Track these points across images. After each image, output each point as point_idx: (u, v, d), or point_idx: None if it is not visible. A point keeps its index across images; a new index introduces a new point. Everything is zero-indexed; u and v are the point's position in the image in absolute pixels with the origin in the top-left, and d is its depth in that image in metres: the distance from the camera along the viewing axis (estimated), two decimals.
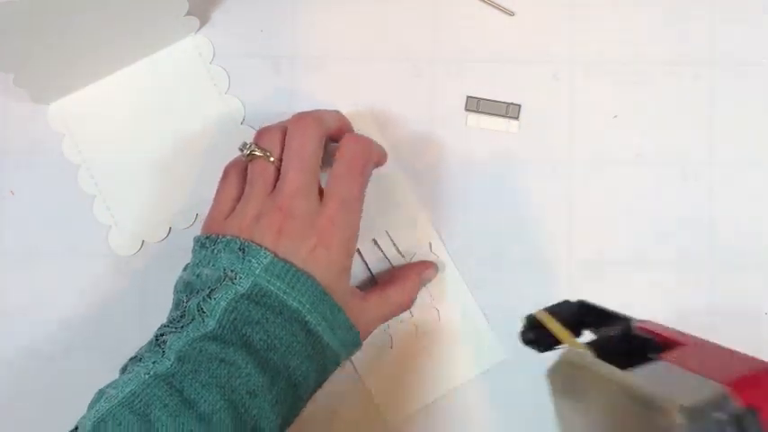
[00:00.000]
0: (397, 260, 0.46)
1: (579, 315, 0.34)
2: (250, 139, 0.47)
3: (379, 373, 0.46)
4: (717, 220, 0.47)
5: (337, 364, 0.39)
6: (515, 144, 0.47)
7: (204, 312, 0.35)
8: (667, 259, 0.47)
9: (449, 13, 0.48)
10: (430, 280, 0.46)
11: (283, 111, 0.48)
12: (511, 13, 0.48)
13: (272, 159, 0.39)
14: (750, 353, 0.47)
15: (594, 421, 0.29)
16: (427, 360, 0.46)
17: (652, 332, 0.30)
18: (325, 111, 0.42)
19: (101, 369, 0.47)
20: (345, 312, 0.37)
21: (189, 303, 0.37)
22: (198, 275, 0.38)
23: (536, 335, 0.34)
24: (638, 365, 0.27)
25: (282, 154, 0.39)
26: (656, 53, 0.48)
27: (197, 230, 0.47)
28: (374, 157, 0.41)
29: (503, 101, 0.48)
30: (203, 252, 0.38)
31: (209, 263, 0.37)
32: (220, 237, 0.38)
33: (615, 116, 0.48)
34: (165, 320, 0.38)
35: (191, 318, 0.36)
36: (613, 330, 0.31)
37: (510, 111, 0.48)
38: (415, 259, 0.46)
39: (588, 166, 0.47)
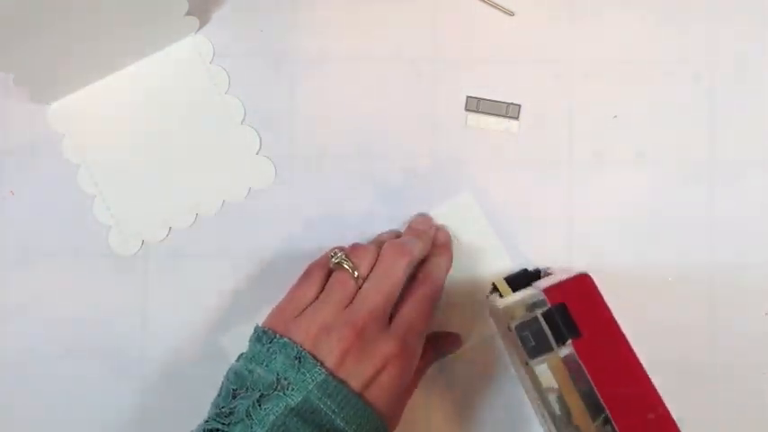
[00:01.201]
0: None
1: (522, 278, 0.44)
2: (252, 139, 0.47)
3: None
4: (717, 220, 0.47)
5: None
6: (515, 144, 0.47)
7: (252, 418, 0.35)
8: (667, 259, 0.47)
9: (449, 13, 0.48)
10: (452, 353, 0.46)
11: (283, 110, 0.48)
12: (511, 13, 0.48)
13: (356, 275, 0.39)
14: (750, 353, 0.47)
15: (501, 330, 0.43)
16: None
17: (547, 273, 0.44)
18: (418, 238, 0.43)
19: (101, 369, 0.47)
20: (386, 422, 0.37)
21: (238, 403, 0.36)
22: (251, 372, 0.37)
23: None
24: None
25: (368, 275, 0.40)
26: (656, 53, 0.48)
27: (197, 230, 0.47)
28: (442, 289, 0.42)
29: (503, 101, 0.48)
30: (258, 347, 0.38)
31: (262, 362, 0.37)
32: (278, 337, 0.37)
33: (615, 116, 0.48)
34: (210, 409, 0.38)
35: (239, 420, 0.36)
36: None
37: (510, 111, 0.48)
38: None
39: (588, 166, 0.47)
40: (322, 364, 0.36)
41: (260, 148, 0.48)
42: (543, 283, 0.39)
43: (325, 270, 0.41)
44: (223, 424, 0.36)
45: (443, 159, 0.47)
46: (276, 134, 0.48)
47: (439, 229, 0.46)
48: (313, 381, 0.36)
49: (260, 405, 0.35)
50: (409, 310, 0.39)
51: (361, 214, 0.47)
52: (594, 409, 0.35)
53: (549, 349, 0.36)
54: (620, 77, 0.48)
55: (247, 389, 0.37)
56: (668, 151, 0.47)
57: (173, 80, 0.48)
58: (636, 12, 0.48)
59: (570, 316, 0.35)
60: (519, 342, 0.37)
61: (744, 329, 0.46)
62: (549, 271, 0.44)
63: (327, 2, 0.48)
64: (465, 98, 0.48)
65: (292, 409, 0.35)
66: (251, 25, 0.48)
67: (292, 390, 0.35)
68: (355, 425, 0.35)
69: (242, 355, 0.39)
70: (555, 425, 0.38)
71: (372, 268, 0.40)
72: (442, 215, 0.47)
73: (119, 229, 0.47)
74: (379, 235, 0.46)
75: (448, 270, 0.44)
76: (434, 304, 0.41)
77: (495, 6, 0.48)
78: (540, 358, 0.36)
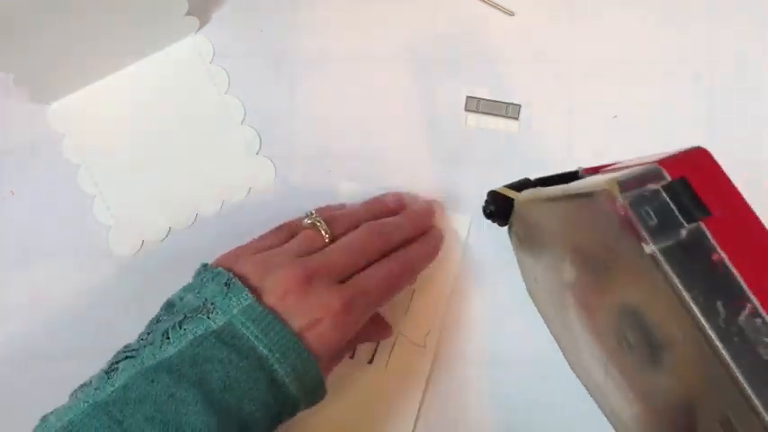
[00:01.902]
0: None
1: (536, 187, 0.37)
2: (252, 139, 0.47)
3: None
4: None
5: (294, 413, 0.37)
6: (515, 144, 0.47)
7: (168, 339, 0.35)
8: None
9: (449, 13, 0.48)
10: (383, 339, 0.45)
11: (283, 110, 0.48)
12: (511, 13, 0.48)
13: (326, 237, 0.39)
14: None
15: (552, 253, 0.33)
16: None
17: (593, 169, 0.35)
18: (400, 226, 0.42)
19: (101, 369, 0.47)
20: (318, 364, 0.36)
21: (159, 325, 0.36)
22: (181, 298, 0.37)
23: (496, 207, 0.40)
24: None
25: (339, 238, 0.39)
26: (656, 53, 0.48)
27: (197, 230, 0.47)
28: (413, 278, 0.42)
29: (503, 101, 0.48)
30: (195, 279, 0.38)
31: (194, 289, 0.37)
32: (213, 267, 0.37)
33: (615, 116, 0.48)
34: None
35: (151, 341, 0.35)
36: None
37: (510, 111, 0.48)
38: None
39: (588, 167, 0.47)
40: (253, 290, 0.35)
41: (260, 148, 0.48)
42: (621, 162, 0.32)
43: (296, 229, 0.41)
44: (135, 350, 0.35)
45: (443, 159, 0.47)
46: (276, 134, 0.48)
47: (435, 227, 0.46)
48: (238, 305, 0.35)
49: (181, 326, 0.35)
50: (368, 277, 0.38)
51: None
52: (731, 308, 0.27)
53: (677, 226, 0.28)
54: (620, 77, 0.48)
55: (173, 313, 0.36)
56: (668, 151, 0.47)
57: (173, 80, 0.48)
58: (636, 12, 0.48)
59: (695, 192, 0.29)
60: (637, 220, 0.28)
61: None
62: (589, 167, 0.36)
63: (327, 2, 0.48)
64: (465, 98, 0.48)
65: (213, 331, 0.34)
66: (251, 25, 0.48)
67: (216, 313, 0.35)
68: (279, 353, 0.34)
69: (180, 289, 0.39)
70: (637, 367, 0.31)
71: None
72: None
73: (119, 229, 0.47)
74: (379, 196, 0.45)
75: (426, 261, 0.43)
76: (399, 285, 0.40)
77: (495, 6, 0.48)
78: (663, 243, 0.28)
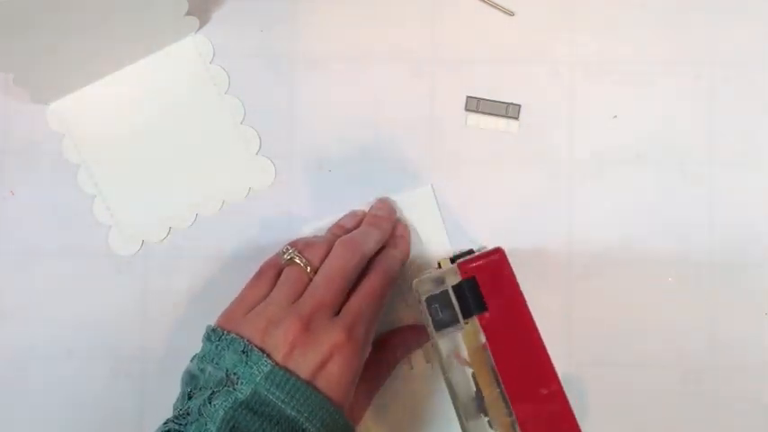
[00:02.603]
0: None
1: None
2: (252, 139, 0.47)
3: None
4: (717, 220, 0.47)
5: None
6: (515, 144, 0.47)
7: (204, 416, 0.36)
8: (667, 259, 0.47)
9: (449, 13, 0.48)
10: (419, 346, 0.46)
11: (283, 110, 0.48)
12: (511, 13, 0.48)
13: (308, 270, 0.40)
14: (750, 354, 0.47)
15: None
16: None
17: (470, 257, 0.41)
18: (369, 234, 0.43)
19: (101, 369, 0.47)
20: (344, 414, 0.37)
21: (191, 403, 0.37)
22: (202, 371, 0.38)
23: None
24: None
25: (318, 267, 0.40)
26: (656, 53, 0.48)
27: (197, 230, 0.47)
28: (394, 283, 0.42)
29: (503, 101, 0.48)
30: (208, 346, 0.38)
31: (212, 359, 0.38)
32: (225, 333, 0.38)
33: (615, 116, 0.48)
34: (172, 413, 0.38)
35: (194, 419, 0.36)
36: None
37: (510, 111, 0.48)
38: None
39: (588, 166, 0.47)
40: (269, 355, 0.36)
41: (260, 148, 0.48)
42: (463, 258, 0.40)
43: (278, 269, 0.41)
44: (179, 425, 0.36)
45: (443, 159, 0.47)
46: (276, 134, 0.48)
47: (399, 221, 0.46)
48: (260, 373, 0.36)
49: (210, 402, 0.36)
50: (358, 300, 0.39)
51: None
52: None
53: (455, 322, 0.36)
54: (620, 77, 0.48)
55: (201, 388, 0.37)
56: (668, 151, 0.47)
57: (173, 80, 0.48)
58: (636, 12, 0.48)
59: (479, 290, 0.36)
60: (427, 315, 0.37)
61: (744, 329, 0.46)
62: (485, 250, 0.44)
63: (327, 2, 0.48)
64: (465, 98, 0.48)
65: (242, 402, 0.36)
66: (251, 25, 0.48)
67: (241, 384, 0.36)
68: (307, 413, 0.36)
69: (195, 355, 0.39)
70: (459, 406, 0.38)
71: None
72: (399, 202, 0.47)
73: (119, 229, 0.47)
74: (338, 221, 0.46)
75: (403, 262, 0.44)
76: (386, 295, 0.41)
77: (495, 6, 0.48)
78: (446, 331, 0.37)
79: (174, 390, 0.42)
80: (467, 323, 0.36)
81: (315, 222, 0.47)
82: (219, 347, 0.38)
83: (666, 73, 0.48)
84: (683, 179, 0.47)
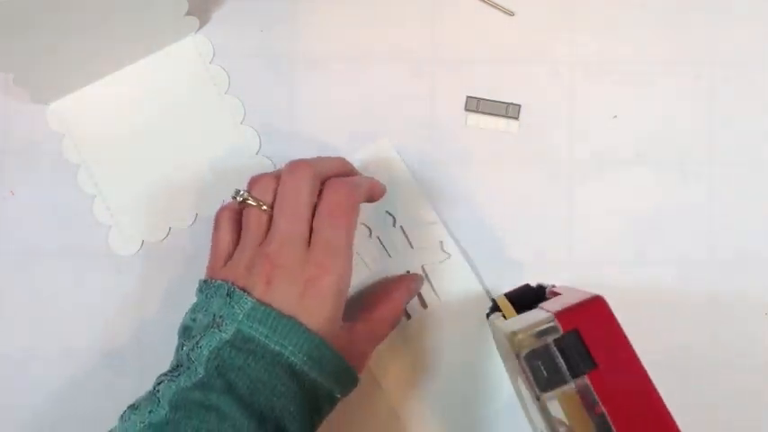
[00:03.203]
0: (404, 255, 0.47)
1: (526, 295, 0.42)
2: (252, 139, 0.47)
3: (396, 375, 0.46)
4: (717, 220, 0.47)
5: (333, 400, 0.39)
6: (515, 144, 0.47)
7: (193, 360, 0.36)
8: (667, 259, 0.47)
9: (449, 13, 0.48)
10: (417, 291, 0.46)
11: (283, 110, 0.48)
12: (511, 13, 0.48)
13: (264, 208, 0.40)
14: (750, 354, 0.47)
15: (503, 351, 0.40)
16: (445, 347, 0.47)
17: (552, 292, 0.39)
18: (323, 158, 0.42)
19: (100, 369, 0.47)
20: (335, 348, 0.37)
21: (183, 351, 0.38)
22: (194, 320, 0.39)
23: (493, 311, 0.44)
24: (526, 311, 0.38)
25: (274, 202, 0.40)
26: (656, 53, 0.48)
27: (197, 230, 0.47)
28: (359, 198, 0.41)
29: (503, 101, 0.48)
30: (200, 296, 0.39)
31: (203, 308, 0.38)
32: (212, 281, 0.39)
33: (615, 116, 0.48)
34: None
35: (186, 366, 0.37)
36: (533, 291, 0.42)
37: (510, 111, 0.48)
38: (426, 255, 0.47)
39: (588, 166, 0.47)
40: (249, 294, 0.37)
41: (260, 147, 0.48)
42: (552, 305, 0.37)
43: (233, 211, 0.41)
44: (171, 377, 0.37)
45: (443, 159, 0.47)
46: (276, 134, 0.48)
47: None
48: (242, 310, 0.36)
49: (198, 346, 0.36)
50: (321, 225, 0.39)
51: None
52: None
53: (563, 382, 0.32)
54: (620, 77, 0.48)
55: (192, 337, 0.38)
56: (668, 151, 0.47)
57: (173, 80, 0.48)
58: (636, 12, 0.48)
59: (584, 344, 0.32)
60: (529, 373, 0.33)
61: (744, 329, 0.46)
62: (555, 289, 0.41)
63: (327, 2, 0.48)
64: (465, 98, 0.48)
65: (227, 341, 0.36)
66: (251, 25, 0.48)
67: (225, 324, 0.36)
68: (291, 346, 0.36)
69: (189, 309, 0.40)
70: None
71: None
72: (359, 160, 0.47)
73: (119, 229, 0.47)
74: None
75: (366, 190, 0.42)
76: (350, 213, 0.39)
77: (495, 6, 0.48)
78: (553, 392, 0.33)
79: None
80: (575, 381, 0.32)
81: None
82: (208, 295, 0.38)
83: (666, 73, 0.48)
84: (683, 179, 0.47)
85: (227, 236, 0.41)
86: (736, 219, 0.47)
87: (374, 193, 0.43)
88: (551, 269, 0.47)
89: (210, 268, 0.41)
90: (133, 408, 0.37)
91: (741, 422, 0.46)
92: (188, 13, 0.46)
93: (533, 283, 0.43)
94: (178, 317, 0.47)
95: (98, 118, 0.48)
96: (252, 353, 0.36)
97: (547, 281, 0.47)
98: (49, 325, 0.47)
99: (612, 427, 0.31)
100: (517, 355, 0.34)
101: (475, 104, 0.48)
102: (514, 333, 0.34)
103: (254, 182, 0.41)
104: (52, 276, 0.47)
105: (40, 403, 0.47)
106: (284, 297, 0.37)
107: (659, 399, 0.31)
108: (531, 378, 0.33)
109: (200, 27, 0.48)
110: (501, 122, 0.48)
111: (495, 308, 0.43)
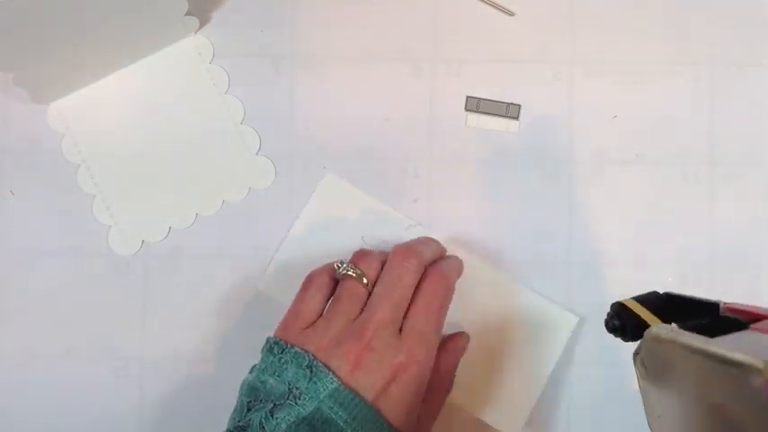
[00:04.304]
0: None
1: (666, 306, 0.33)
2: (252, 139, 0.47)
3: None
4: (717, 220, 0.47)
5: None
6: (515, 144, 0.47)
7: (265, 429, 0.35)
8: (667, 259, 0.47)
9: (449, 13, 0.48)
10: (465, 350, 0.45)
11: (283, 110, 0.48)
12: (511, 13, 0.48)
13: (365, 282, 0.39)
14: None
15: (683, 398, 0.28)
16: (513, 361, 0.46)
17: (739, 311, 0.30)
18: (427, 244, 0.43)
19: (101, 369, 0.47)
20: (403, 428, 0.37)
21: (252, 415, 0.36)
22: (263, 383, 0.37)
23: (621, 322, 0.34)
24: (722, 335, 0.27)
25: (377, 280, 0.40)
26: (656, 53, 0.48)
27: (197, 230, 0.47)
28: (454, 287, 0.41)
29: (503, 101, 0.48)
30: (270, 358, 0.38)
31: (275, 372, 0.37)
32: (289, 346, 0.37)
33: (615, 116, 0.48)
34: (228, 423, 0.38)
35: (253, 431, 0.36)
36: (701, 316, 0.31)
37: (510, 111, 0.48)
38: None
39: (588, 166, 0.47)
40: (334, 373, 0.36)
41: (260, 148, 0.48)
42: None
43: (327, 276, 0.41)
44: None
45: (443, 159, 0.47)
46: (276, 134, 0.48)
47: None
48: (325, 390, 0.36)
49: (272, 415, 0.35)
50: (416, 315, 0.39)
51: (360, 214, 0.47)
52: None
53: None
54: (620, 77, 0.48)
55: (261, 400, 0.37)
56: (668, 151, 0.47)
57: (173, 80, 0.48)
58: (636, 12, 0.48)
59: None
60: None
61: None
62: (733, 306, 0.31)
63: (327, 2, 0.48)
64: (465, 98, 0.48)
65: (304, 418, 0.35)
66: (251, 25, 0.48)
67: (304, 399, 0.35)
68: None
69: (254, 366, 0.39)
70: None
71: (380, 274, 0.40)
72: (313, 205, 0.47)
73: (119, 229, 0.47)
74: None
75: (459, 271, 0.43)
76: (445, 306, 0.40)
77: (495, 6, 0.48)
78: None
79: (173, 390, 0.42)
80: None
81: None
82: (283, 360, 0.37)
83: (666, 73, 0.48)
84: (683, 179, 0.47)
85: (316, 302, 0.40)
86: (736, 219, 0.47)
87: (461, 272, 0.44)
88: (551, 269, 0.47)
89: (286, 327, 0.39)
90: None
91: None
92: (188, 13, 0.46)
93: (660, 291, 0.35)
94: (178, 317, 0.47)
95: (98, 118, 0.48)
96: None
97: (547, 279, 0.47)
98: (49, 325, 0.47)
99: None
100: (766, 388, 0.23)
101: (475, 104, 0.48)
102: (759, 359, 0.24)
103: (360, 256, 0.41)
104: (52, 276, 0.47)
105: (40, 403, 0.47)
106: (370, 382, 0.36)
107: None
108: None
109: (200, 27, 0.48)
110: (501, 122, 0.48)
111: (617, 313, 0.34)
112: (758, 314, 0.29)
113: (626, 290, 0.46)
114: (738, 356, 0.25)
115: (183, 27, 0.47)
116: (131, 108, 0.48)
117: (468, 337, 0.45)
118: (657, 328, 0.29)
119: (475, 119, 0.48)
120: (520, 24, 0.48)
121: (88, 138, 0.48)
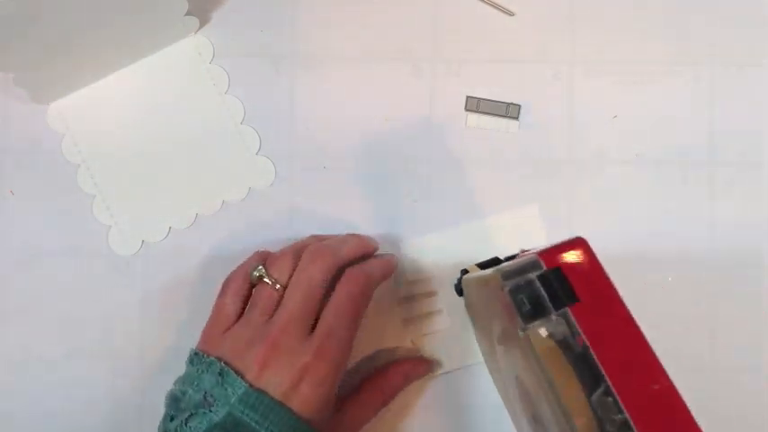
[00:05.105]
0: None
1: (492, 264, 0.41)
2: (252, 139, 0.47)
3: None
4: (717, 220, 0.47)
5: None
6: (515, 144, 0.47)
7: None
8: (667, 259, 0.47)
9: (449, 13, 0.48)
10: (419, 378, 0.45)
11: (283, 110, 0.48)
12: (511, 14, 0.48)
13: (278, 287, 0.40)
14: (750, 354, 0.47)
15: (480, 309, 0.41)
16: None
17: (521, 252, 0.38)
18: (345, 242, 0.42)
19: (101, 369, 0.47)
20: (315, 426, 0.37)
21: (171, 425, 0.37)
22: (183, 393, 0.38)
23: (459, 282, 0.44)
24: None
25: (289, 281, 0.40)
26: (656, 53, 0.48)
27: (197, 230, 0.47)
28: (372, 288, 0.41)
29: (503, 101, 0.48)
30: (191, 369, 0.39)
31: (193, 382, 0.38)
32: (205, 356, 0.38)
33: (615, 116, 0.48)
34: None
35: None
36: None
37: (510, 111, 0.48)
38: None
39: (588, 166, 0.47)
40: (243, 377, 0.37)
41: (260, 148, 0.48)
42: (533, 249, 0.37)
43: (241, 281, 0.41)
44: None
45: (443, 159, 0.47)
46: (276, 134, 0.48)
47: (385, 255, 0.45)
48: (234, 394, 0.36)
49: (186, 424, 0.36)
50: (327, 314, 0.39)
51: (361, 214, 0.47)
52: (591, 385, 0.32)
53: (546, 312, 0.33)
54: (620, 77, 0.48)
55: (182, 410, 0.37)
56: (668, 151, 0.47)
57: (173, 80, 0.48)
58: (636, 12, 0.48)
59: (567, 280, 0.33)
60: (513, 306, 0.34)
61: (744, 329, 0.46)
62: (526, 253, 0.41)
63: (327, 2, 0.48)
64: (465, 98, 0.48)
65: (216, 424, 0.36)
66: (251, 25, 0.48)
67: (217, 406, 0.36)
68: None
69: (179, 378, 0.40)
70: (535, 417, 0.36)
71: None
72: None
73: (119, 229, 0.47)
74: (301, 240, 0.45)
75: (385, 271, 0.43)
76: (359, 308, 0.40)
77: (495, 6, 0.48)
78: (536, 323, 0.33)
79: None
80: (558, 315, 0.32)
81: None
82: (200, 370, 0.38)
83: (666, 73, 0.48)
84: (683, 179, 0.47)
85: (231, 306, 0.40)
86: (736, 219, 0.47)
87: (387, 273, 0.43)
88: None
89: (207, 335, 0.40)
90: None
91: (741, 423, 0.46)
92: (188, 13, 0.46)
93: (502, 257, 0.43)
94: (178, 317, 0.47)
95: (98, 118, 0.48)
96: None
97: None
98: (49, 325, 0.47)
99: (596, 361, 0.31)
100: (501, 288, 0.34)
101: (475, 104, 0.48)
102: (498, 270, 0.34)
103: (272, 261, 0.41)
104: (52, 276, 0.47)
105: (40, 403, 0.47)
106: (278, 382, 0.37)
107: (640, 334, 0.32)
108: (515, 312, 0.33)
109: (200, 27, 0.48)
110: (501, 122, 0.48)
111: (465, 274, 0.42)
112: (525, 250, 0.38)
113: (626, 290, 0.47)
114: (487, 274, 0.36)
115: (183, 27, 0.47)
116: (131, 108, 0.48)
117: (428, 368, 0.45)
118: (465, 276, 0.42)
119: (475, 119, 0.48)
120: (520, 24, 0.48)
121: (88, 138, 0.48)
